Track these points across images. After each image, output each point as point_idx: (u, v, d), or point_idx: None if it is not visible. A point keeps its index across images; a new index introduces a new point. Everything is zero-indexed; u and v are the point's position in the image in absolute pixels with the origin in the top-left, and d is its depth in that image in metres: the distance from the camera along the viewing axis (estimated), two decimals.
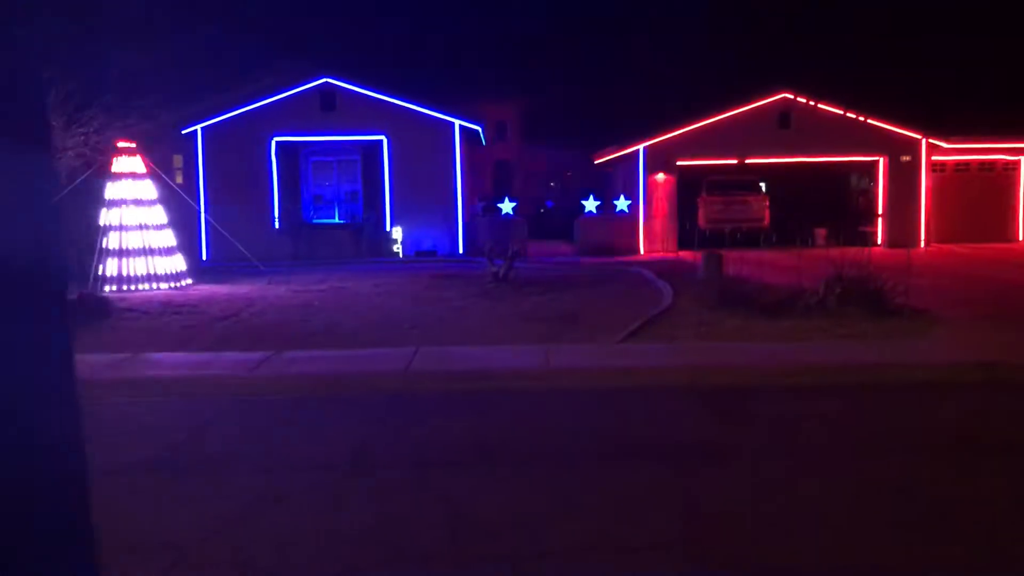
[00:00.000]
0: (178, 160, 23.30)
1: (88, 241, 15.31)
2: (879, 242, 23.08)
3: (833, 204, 25.92)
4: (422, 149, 22.58)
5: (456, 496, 4.95)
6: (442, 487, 5.11)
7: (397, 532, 4.47)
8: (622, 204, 23.43)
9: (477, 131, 23.60)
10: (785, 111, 22.95)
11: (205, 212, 22.20)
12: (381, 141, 22.61)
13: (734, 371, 8.11)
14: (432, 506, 4.80)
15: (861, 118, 22.69)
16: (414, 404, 7.40)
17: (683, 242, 22.89)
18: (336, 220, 23.31)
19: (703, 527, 4.48)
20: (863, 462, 5.53)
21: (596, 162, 30.53)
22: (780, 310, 11.14)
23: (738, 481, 5.19)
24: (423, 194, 22.65)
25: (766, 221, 23.86)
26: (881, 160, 23.30)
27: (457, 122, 22.70)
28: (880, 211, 23.59)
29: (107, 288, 14.97)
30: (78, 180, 16.30)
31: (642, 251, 23.15)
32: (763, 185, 24.29)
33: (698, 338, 9.72)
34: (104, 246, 15.28)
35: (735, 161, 23.62)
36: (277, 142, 22.56)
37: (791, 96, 22.85)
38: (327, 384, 7.90)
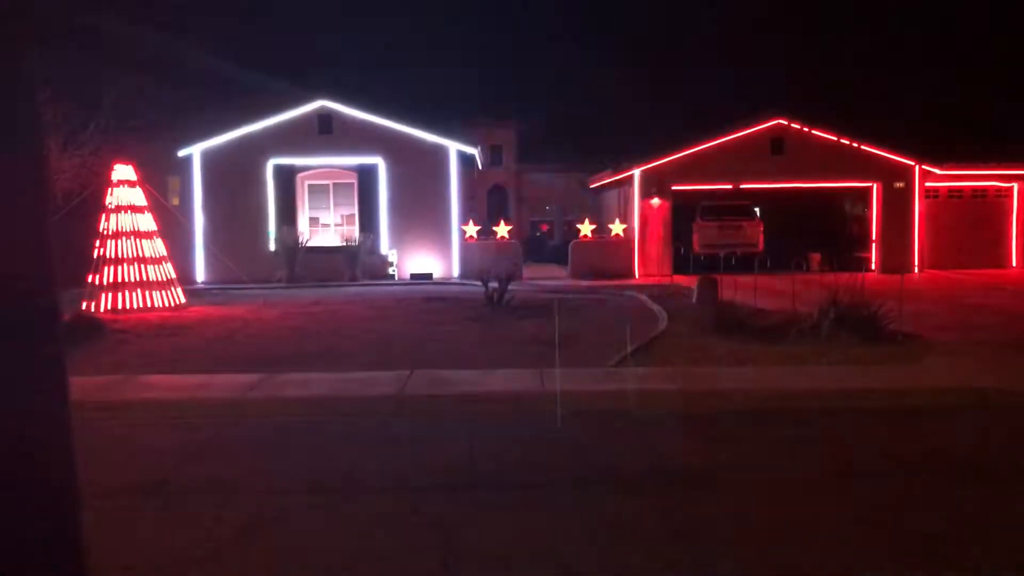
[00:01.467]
0: (174, 182, 23.38)
1: (82, 260, 15.30)
2: (873, 268, 23.19)
3: (827, 229, 26.07)
4: (418, 173, 22.70)
5: (449, 522, 4.92)
6: (435, 513, 5.07)
7: (388, 559, 4.44)
8: (617, 228, 23.51)
9: (473, 155, 23.72)
10: (779, 137, 23.13)
11: (201, 234, 22.22)
12: (377, 164, 22.72)
13: (728, 396, 8.12)
14: (424, 532, 4.77)
15: (854, 144, 22.88)
16: (407, 428, 7.37)
17: (678, 266, 22.95)
18: (332, 243, 23.33)
19: (700, 553, 4.46)
20: (858, 487, 5.52)
21: (591, 186, 30.70)
22: (774, 335, 11.17)
23: (734, 507, 5.17)
24: (419, 217, 22.74)
25: (760, 246, 23.97)
26: (875, 186, 23.47)
27: (453, 146, 22.83)
28: (874, 237, 23.69)
29: (102, 307, 14.94)
30: (75, 201, 16.34)
31: (637, 275, 23.20)
32: (757, 210, 24.43)
33: (692, 362, 9.72)
34: (99, 257, 15.25)
35: (730, 186, 23.75)
36: (273, 164, 22.65)
37: (785, 122, 23.04)
38: (321, 407, 7.88)
